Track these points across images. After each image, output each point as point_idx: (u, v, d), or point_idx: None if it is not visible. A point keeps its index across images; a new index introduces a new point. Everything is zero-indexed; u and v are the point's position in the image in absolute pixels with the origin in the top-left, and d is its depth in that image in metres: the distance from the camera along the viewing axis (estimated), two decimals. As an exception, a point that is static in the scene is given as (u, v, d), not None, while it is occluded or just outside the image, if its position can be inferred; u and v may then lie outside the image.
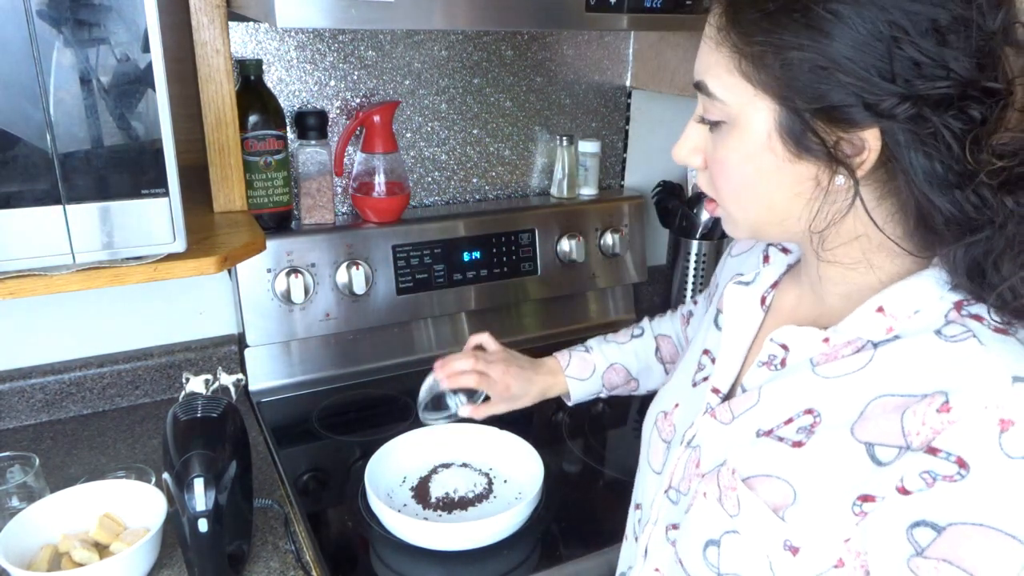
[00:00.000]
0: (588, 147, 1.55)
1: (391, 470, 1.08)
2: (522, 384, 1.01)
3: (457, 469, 1.11)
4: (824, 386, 0.60)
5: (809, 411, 0.60)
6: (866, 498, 0.55)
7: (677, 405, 0.77)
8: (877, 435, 0.55)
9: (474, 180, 1.52)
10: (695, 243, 1.56)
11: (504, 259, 1.46)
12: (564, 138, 1.51)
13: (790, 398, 0.62)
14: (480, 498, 1.05)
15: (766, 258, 0.75)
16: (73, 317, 1.24)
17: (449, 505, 1.03)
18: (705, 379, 0.74)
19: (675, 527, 0.71)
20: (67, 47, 0.77)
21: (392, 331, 1.42)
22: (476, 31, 1.40)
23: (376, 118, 1.30)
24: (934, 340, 0.55)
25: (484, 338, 1.04)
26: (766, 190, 0.59)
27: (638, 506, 0.80)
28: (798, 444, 0.60)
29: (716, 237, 1.55)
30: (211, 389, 1.07)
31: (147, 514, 0.92)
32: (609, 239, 1.54)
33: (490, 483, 1.09)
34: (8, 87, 0.75)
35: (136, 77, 0.80)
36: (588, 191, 1.57)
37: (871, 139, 0.53)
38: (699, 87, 0.60)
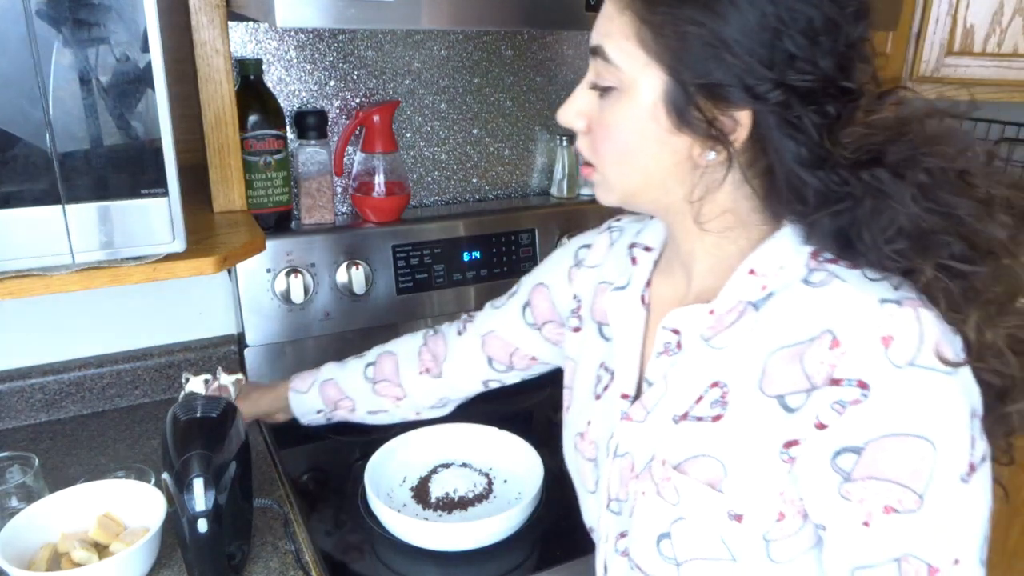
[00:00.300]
0: (588, 147, 1.54)
1: (391, 470, 1.08)
2: (247, 405, 1.10)
3: (457, 469, 1.11)
4: (721, 356, 0.64)
5: (715, 384, 0.64)
6: (790, 443, 0.59)
7: (589, 423, 0.78)
8: (784, 386, 0.60)
9: (474, 180, 1.52)
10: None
11: (504, 259, 1.46)
12: (564, 138, 1.51)
13: (694, 377, 0.66)
14: (480, 498, 1.05)
15: (633, 260, 0.78)
16: (73, 317, 1.24)
17: (449, 505, 1.03)
18: (606, 388, 0.77)
19: (623, 535, 0.72)
20: (67, 47, 0.77)
21: (392, 331, 1.41)
22: (476, 31, 1.40)
23: (376, 118, 1.30)
24: (804, 289, 0.61)
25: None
26: (646, 158, 0.63)
27: (591, 529, 0.81)
28: (717, 418, 0.63)
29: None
30: (210, 389, 1.07)
31: (147, 514, 0.92)
32: (609, 239, 1.54)
33: (490, 483, 1.08)
34: (8, 87, 0.75)
35: (136, 77, 0.80)
36: (588, 191, 1.57)
37: (744, 119, 0.59)
38: (596, 51, 0.63)
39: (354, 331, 1.37)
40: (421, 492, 1.06)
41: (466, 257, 1.42)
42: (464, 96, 1.44)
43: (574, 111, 0.67)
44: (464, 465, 1.12)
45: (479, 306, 1.46)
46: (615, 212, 1.61)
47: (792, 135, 0.58)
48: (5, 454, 1.02)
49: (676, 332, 0.68)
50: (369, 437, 1.09)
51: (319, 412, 1.10)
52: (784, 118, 0.58)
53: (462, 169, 1.50)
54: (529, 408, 1.27)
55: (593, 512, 0.79)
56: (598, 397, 0.78)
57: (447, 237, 1.40)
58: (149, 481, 0.99)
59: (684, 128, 0.60)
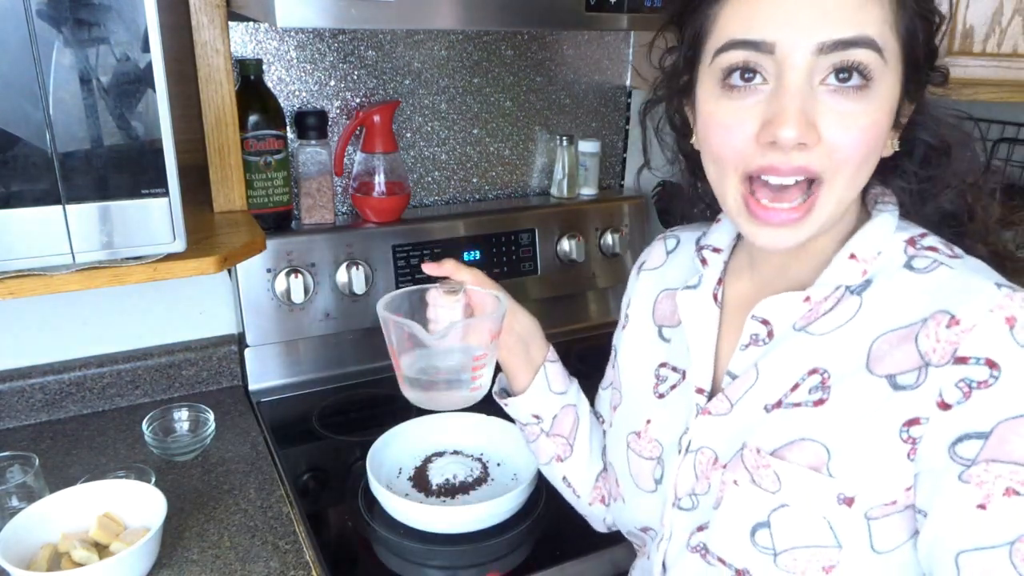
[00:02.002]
0: (588, 147, 1.54)
1: (387, 463, 1.09)
2: (511, 309, 0.83)
3: (450, 456, 1.12)
4: (821, 343, 0.63)
5: (814, 370, 0.63)
6: (910, 422, 0.57)
7: (649, 421, 0.77)
8: (893, 366, 0.58)
9: (474, 180, 1.52)
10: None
11: (504, 259, 1.46)
12: (564, 138, 1.51)
13: (788, 365, 0.64)
14: (479, 482, 1.07)
15: (703, 261, 0.77)
16: (73, 317, 1.24)
17: (451, 491, 1.04)
18: (673, 387, 0.76)
19: (701, 529, 0.69)
20: (67, 47, 0.77)
21: (392, 331, 1.41)
22: (476, 31, 1.40)
23: (376, 118, 1.30)
24: (908, 274, 0.61)
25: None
26: (876, 157, 0.62)
27: (645, 528, 0.78)
28: (819, 403, 0.61)
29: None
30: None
31: (147, 514, 0.92)
32: (609, 239, 1.54)
33: (485, 467, 1.10)
34: (8, 87, 0.75)
35: (136, 77, 0.80)
36: (588, 191, 1.57)
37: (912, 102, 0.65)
38: (854, 43, 0.55)
39: (354, 331, 1.37)
40: (421, 481, 1.06)
41: (466, 257, 1.42)
42: (464, 96, 1.44)
43: (806, 122, 0.56)
44: (456, 452, 1.13)
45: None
46: (614, 212, 1.61)
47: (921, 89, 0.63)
48: (5, 454, 1.02)
49: (766, 323, 0.67)
50: (369, 437, 1.09)
51: (533, 420, 0.88)
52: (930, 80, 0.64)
53: (462, 169, 1.49)
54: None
55: (652, 512, 0.75)
56: (661, 396, 0.77)
57: (447, 237, 1.40)
58: (149, 481, 0.99)
59: (896, 119, 0.62)
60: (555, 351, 0.89)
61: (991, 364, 0.54)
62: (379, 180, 1.33)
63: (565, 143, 1.51)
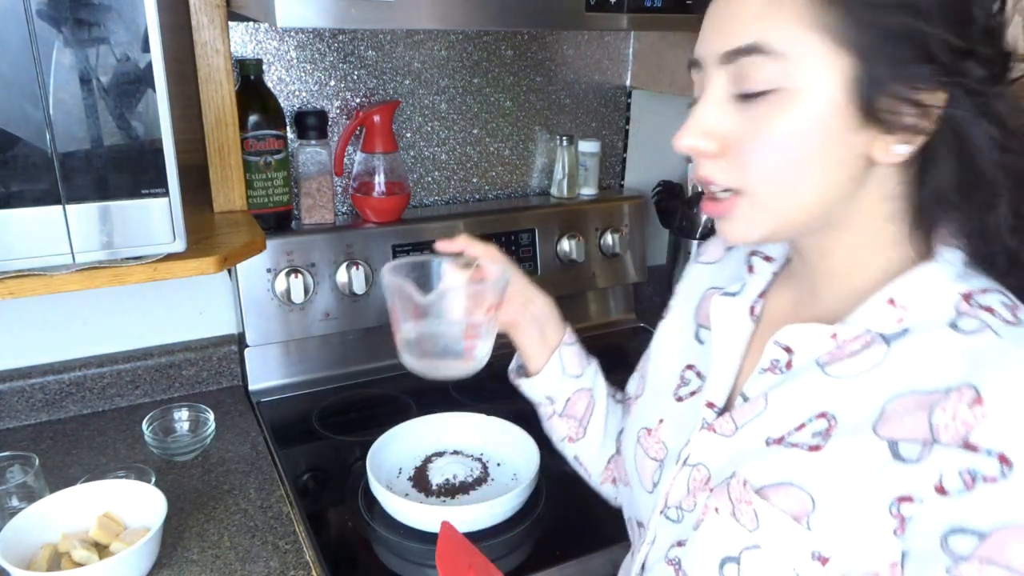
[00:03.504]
0: (588, 147, 1.54)
1: (387, 463, 1.09)
2: (523, 290, 0.85)
3: (450, 456, 1.12)
4: (837, 386, 0.58)
5: (823, 414, 0.58)
6: (903, 499, 0.52)
7: (661, 421, 0.74)
8: (901, 432, 0.53)
9: (474, 180, 1.52)
10: (695, 243, 1.56)
11: (504, 259, 1.46)
12: (564, 138, 1.51)
13: (800, 402, 0.60)
14: (479, 482, 1.07)
15: (750, 268, 0.72)
16: (73, 317, 1.24)
17: (451, 491, 1.05)
18: (693, 394, 0.72)
19: (679, 544, 0.68)
20: (67, 47, 0.77)
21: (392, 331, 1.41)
22: (476, 31, 1.40)
23: (376, 118, 1.30)
24: (950, 333, 0.53)
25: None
26: (822, 167, 0.54)
27: (640, 523, 0.77)
28: (815, 448, 0.57)
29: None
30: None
31: (147, 514, 0.92)
32: (609, 239, 1.54)
33: (485, 467, 1.10)
34: (8, 87, 0.75)
35: (136, 77, 0.80)
36: (588, 191, 1.57)
37: (938, 101, 0.52)
38: (747, 50, 0.54)
39: (354, 331, 1.37)
40: (421, 481, 1.06)
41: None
42: (464, 96, 1.44)
43: (699, 132, 0.57)
44: (456, 452, 1.13)
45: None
46: (614, 212, 1.62)
47: (986, 114, 0.51)
48: (6, 454, 1.02)
49: (788, 350, 0.62)
50: (369, 437, 1.09)
51: (549, 399, 0.89)
52: (980, 95, 0.51)
53: (462, 169, 1.49)
54: (529, 407, 1.27)
55: (644, 511, 0.74)
56: (680, 399, 0.74)
57: (447, 237, 1.40)
58: (149, 481, 0.99)
59: (870, 122, 0.53)
60: (574, 333, 0.88)
61: (1004, 460, 0.48)
62: (379, 180, 1.33)
63: (565, 143, 1.51)
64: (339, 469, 1.15)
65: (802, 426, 0.59)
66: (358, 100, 1.35)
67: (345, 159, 1.36)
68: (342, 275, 1.31)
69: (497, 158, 1.52)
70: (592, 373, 0.89)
